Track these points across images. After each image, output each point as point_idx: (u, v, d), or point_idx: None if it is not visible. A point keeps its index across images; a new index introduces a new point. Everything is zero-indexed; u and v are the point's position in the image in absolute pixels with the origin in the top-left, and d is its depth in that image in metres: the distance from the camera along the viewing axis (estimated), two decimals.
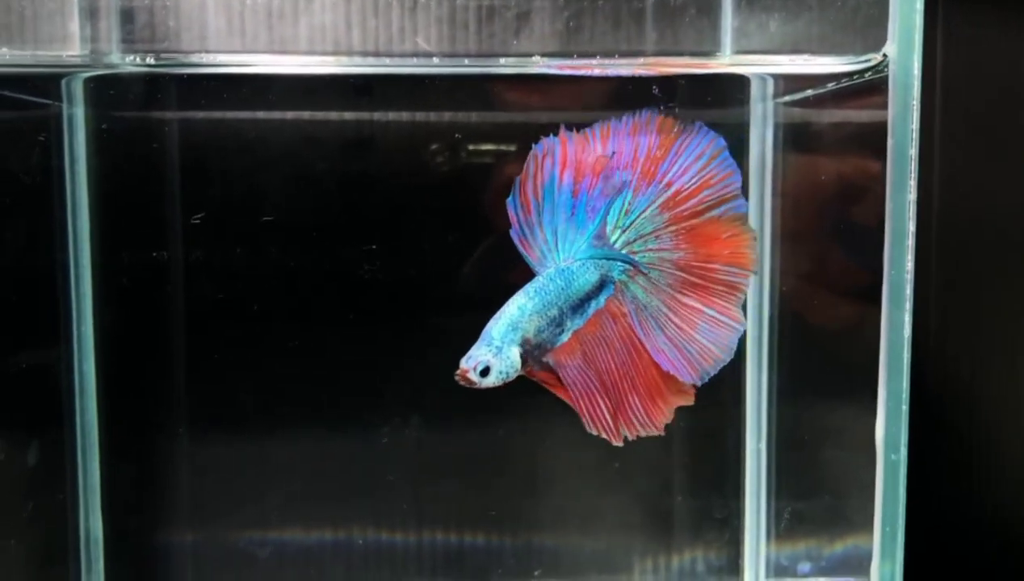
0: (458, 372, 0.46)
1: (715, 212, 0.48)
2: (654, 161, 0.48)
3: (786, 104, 0.63)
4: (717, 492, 0.70)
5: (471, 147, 0.63)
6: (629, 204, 0.48)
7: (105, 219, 0.63)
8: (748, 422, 0.68)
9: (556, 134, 0.47)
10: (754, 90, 0.63)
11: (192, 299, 0.65)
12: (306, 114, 0.64)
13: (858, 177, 0.56)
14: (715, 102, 0.62)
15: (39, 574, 0.60)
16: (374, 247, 0.63)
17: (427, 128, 0.65)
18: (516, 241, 0.47)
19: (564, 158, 0.46)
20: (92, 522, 0.65)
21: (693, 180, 0.48)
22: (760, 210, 0.65)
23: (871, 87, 0.48)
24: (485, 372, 0.46)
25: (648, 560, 0.71)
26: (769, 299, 0.65)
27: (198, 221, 0.63)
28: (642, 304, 0.48)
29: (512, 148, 0.61)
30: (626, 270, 0.48)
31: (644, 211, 0.48)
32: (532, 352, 0.47)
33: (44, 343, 0.61)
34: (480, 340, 0.46)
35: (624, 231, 0.48)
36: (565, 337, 0.47)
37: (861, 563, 0.57)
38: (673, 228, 0.48)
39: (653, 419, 0.49)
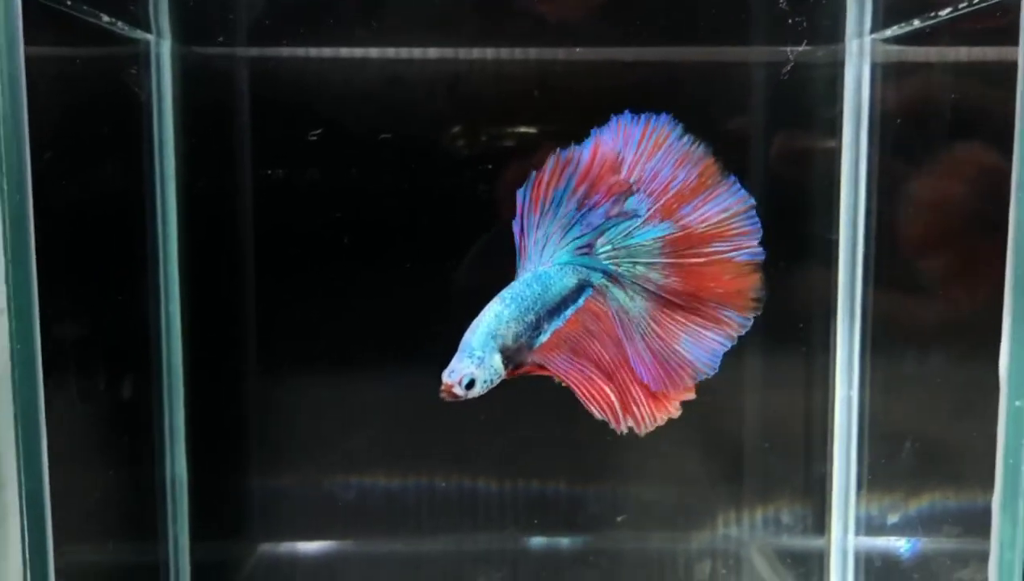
0: (442, 387, 0.45)
1: (717, 260, 0.47)
2: (679, 200, 0.46)
3: (887, 40, 0.61)
4: (805, 441, 0.69)
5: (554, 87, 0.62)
6: (634, 229, 0.46)
7: (189, 155, 0.63)
8: (838, 368, 0.66)
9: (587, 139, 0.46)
10: (850, 19, 0.60)
11: (277, 239, 0.65)
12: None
13: (973, 130, 0.53)
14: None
15: (130, 513, 0.60)
16: (489, 167, 0.61)
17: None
18: (515, 232, 0.46)
19: (587, 170, 0.45)
20: (177, 465, 0.65)
21: (709, 229, 0.47)
22: (855, 154, 0.63)
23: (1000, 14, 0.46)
24: (470, 385, 0.45)
25: (731, 511, 0.70)
26: (864, 242, 0.63)
27: (315, 137, 0.62)
28: (624, 308, 0.47)
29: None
30: (607, 276, 0.47)
31: (646, 242, 0.47)
32: (512, 356, 0.46)
33: (132, 279, 0.60)
34: (460, 352, 0.46)
35: (616, 248, 0.47)
36: (544, 337, 0.47)
37: (967, 520, 0.56)
38: (668, 261, 0.47)
39: (655, 411, 0.48)
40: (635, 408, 0.47)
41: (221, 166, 0.65)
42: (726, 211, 0.46)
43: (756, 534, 0.70)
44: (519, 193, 0.45)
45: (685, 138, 0.46)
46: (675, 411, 0.48)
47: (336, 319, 0.66)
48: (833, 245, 0.64)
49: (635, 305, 0.47)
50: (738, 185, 0.46)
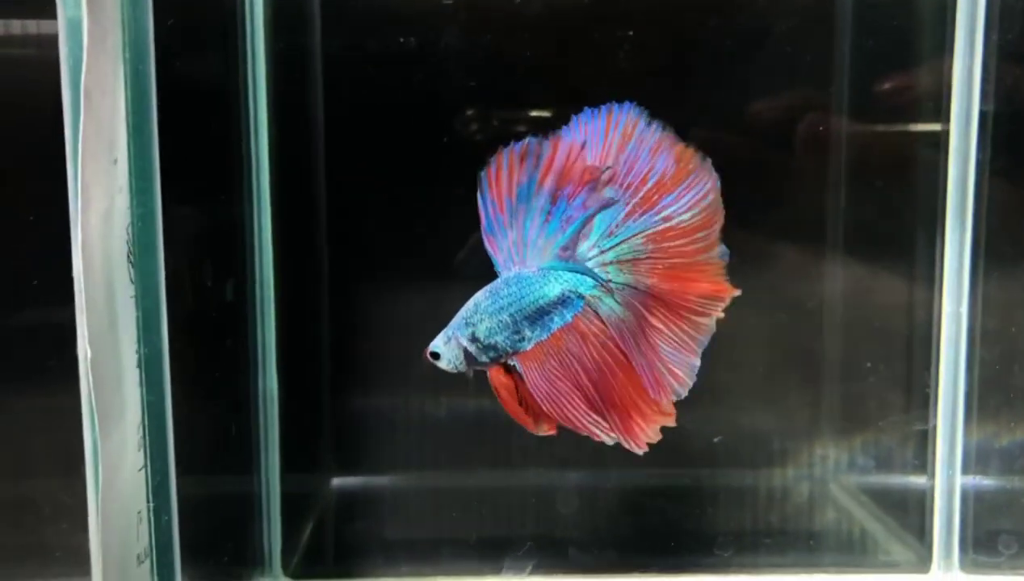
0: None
1: (700, 257, 0.45)
2: (660, 190, 0.44)
3: None
4: (908, 363, 0.67)
5: None
6: (616, 227, 0.44)
7: (279, 60, 0.62)
8: (947, 285, 0.64)
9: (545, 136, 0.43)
10: None
11: (361, 158, 0.64)
12: None
13: None
14: None
15: (227, 420, 0.60)
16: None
17: None
18: (485, 238, 0.44)
19: (550, 162, 0.43)
20: (268, 379, 0.64)
21: (692, 219, 0.44)
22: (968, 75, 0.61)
23: None
24: (436, 357, 0.46)
25: (834, 436, 0.68)
26: (977, 143, 0.61)
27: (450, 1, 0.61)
28: (620, 319, 0.45)
29: None
30: (597, 286, 0.44)
31: (630, 238, 0.44)
32: (486, 351, 0.45)
33: (229, 199, 0.59)
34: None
35: (603, 252, 0.44)
36: (526, 345, 0.45)
37: None
38: (653, 259, 0.44)
39: (634, 438, 0.45)
40: (626, 427, 0.45)
41: (307, 75, 0.64)
42: (706, 197, 0.44)
43: (849, 468, 0.69)
44: (479, 198, 0.43)
45: (654, 125, 0.43)
46: (652, 436, 0.46)
47: (427, 235, 0.65)
48: (942, 149, 0.62)
49: (628, 316, 0.44)
50: (710, 163, 0.44)
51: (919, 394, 0.66)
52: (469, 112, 0.64)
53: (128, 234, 0.43)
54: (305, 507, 0.69)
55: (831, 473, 0.69)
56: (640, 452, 0.46)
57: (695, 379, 0.46)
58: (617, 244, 0.44)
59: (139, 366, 0.44)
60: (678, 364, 0.45)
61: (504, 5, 0.64)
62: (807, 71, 0.65)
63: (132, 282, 0.43)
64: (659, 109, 0.44)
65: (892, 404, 0.67)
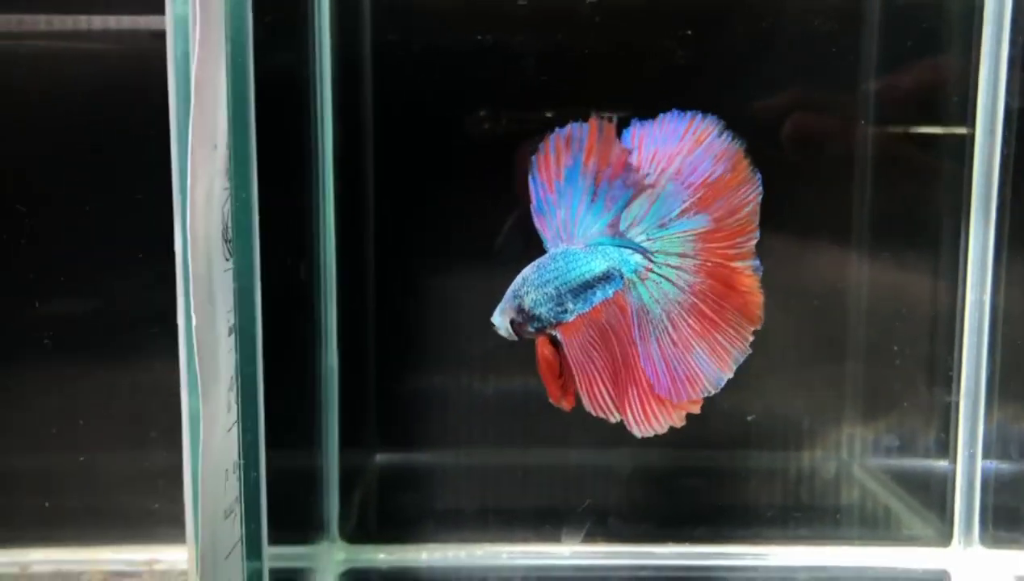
0: None
1: (738, 262, 0.48)
2: (716, 194, 0.47)
3: None
4: (930, 349, 0.70)
5: None
6: (669, 220, 0.47)
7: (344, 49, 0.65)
8: (970, 270, 0.67)
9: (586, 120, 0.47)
10: None
11: (412, 147, 0.68)
12: None
13: None
14: None
15: (299, 392, 0.64)
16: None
17: None
18: (534, 217, 0.48)
19: (591, 146, 0.46)
20: (330, 356, 0.68)
21: (735, 225, 0.48)
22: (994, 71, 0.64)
23: None
24: (494, 326, 0.50)
25: (860, 418, 0.72)
26: (1003, 133, 0.64)
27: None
28: (645, 307, 0.48)
29: None
30: (638, 270, 0.47)
31: (681, 233, 0.48)
32: (531, 321, 0.48)
33: (301, 187, 0.63)
34: None
35: (650, 240, 0.48)
36: (569, 317, 0.48)
37: None
38: (699, 261, 0.48)
39: (656, 416, 0.48)
40: (632, 410, 0.47)
41: (361, 70, 0.68)
42: (749, 204, 0.47)
43: (874, 448, 0.72)
44: (530, 180, 0.47)
45: (724, 135, 0.47)
46: (678, 421, 0.48)
47: (486, 211, 0.69)
48: (967, 137, 0.65)
49: (656, 307, 0.47)
50: (760, 180, 0.47)
51: (943, 377, 0.70)
52: (517, 105, 0.67)
53: (224, 214, 0.47)
54: (357, 477, 0.73)
55: (857, 453, 0.72)
56: (638, 435, 0.48)
57: (717, 390, 0.48)
58: (667, 236, 0.48)
59: (232, 335, 0.48)
60: (705, 371, 0.48)
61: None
62: (834, 69, 0.68)
63: (226, 258, 0.47)
64: (705, 105, 0.48)
65: (916, 387, 0.71)
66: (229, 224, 0.48)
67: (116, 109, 0.63)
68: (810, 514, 0.71)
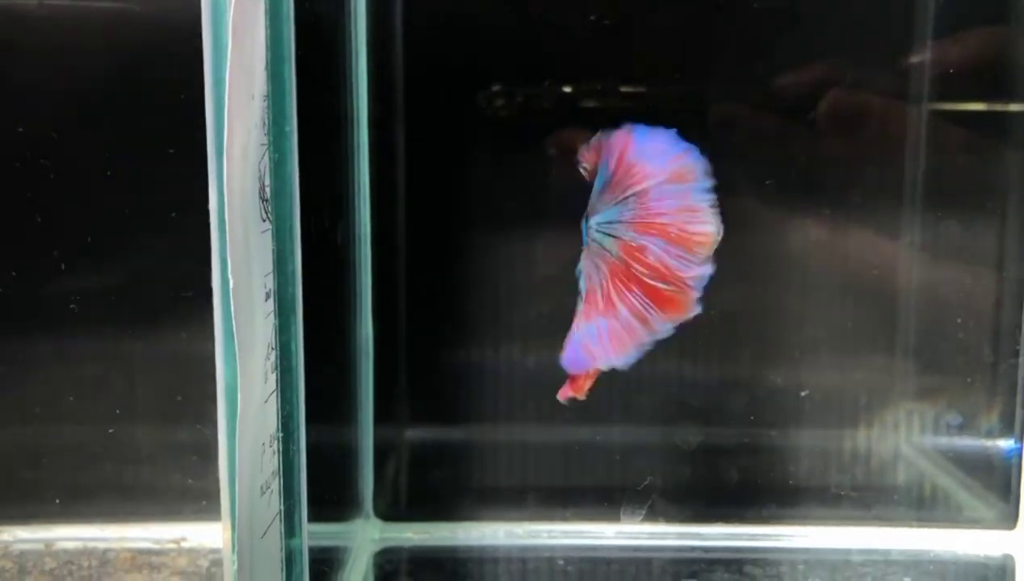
0: None
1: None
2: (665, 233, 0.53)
3: None
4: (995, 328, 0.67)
5: None
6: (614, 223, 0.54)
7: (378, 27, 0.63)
8: None
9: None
10: None
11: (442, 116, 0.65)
12: None
13: None
14: None
15: (337, 364, 0.61)
16: None
17: None
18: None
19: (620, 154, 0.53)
20: (365, 326, 0.65)
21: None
22: None
23: None
24: None
25: (922, 396, 0.69)
26: None
27: None
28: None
29: None
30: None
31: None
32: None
33: (337, 150, 0.60)
34: None
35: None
36: None
37: None
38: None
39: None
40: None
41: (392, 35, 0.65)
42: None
43: (934, 427, 0.69)
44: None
45: (704, 180, 0.52)
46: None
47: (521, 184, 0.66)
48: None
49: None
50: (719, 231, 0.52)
51: (1009, 353, 0.66)
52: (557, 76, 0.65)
53: (260, 171, 0.44)
54: (392, 454, 0.70)
55: (916, 432, 0.69)
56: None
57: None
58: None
59: (269, 299, 0.45)
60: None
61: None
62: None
63: (263, 218, 0.44)
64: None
65: (981, 364, 0.67)
66: (267, 182, 0.45)
67: (148, 56, 0.60)
68: (868, 495, 0.68)
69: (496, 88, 0.65)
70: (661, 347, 0.67)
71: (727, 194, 0.52)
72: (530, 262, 0.68)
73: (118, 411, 0.65)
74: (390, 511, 0.68)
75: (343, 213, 0.61)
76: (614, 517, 0.68)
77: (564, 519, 0.69)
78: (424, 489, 0.71)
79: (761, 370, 0.68)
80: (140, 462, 0.66)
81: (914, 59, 0.65)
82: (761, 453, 0.69)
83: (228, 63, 0.40)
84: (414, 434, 0.70)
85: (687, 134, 0.52)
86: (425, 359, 0.69)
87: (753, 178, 0.65)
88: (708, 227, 0.51)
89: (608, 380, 0.67)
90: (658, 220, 0.51)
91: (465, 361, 0.69)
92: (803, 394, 0.67)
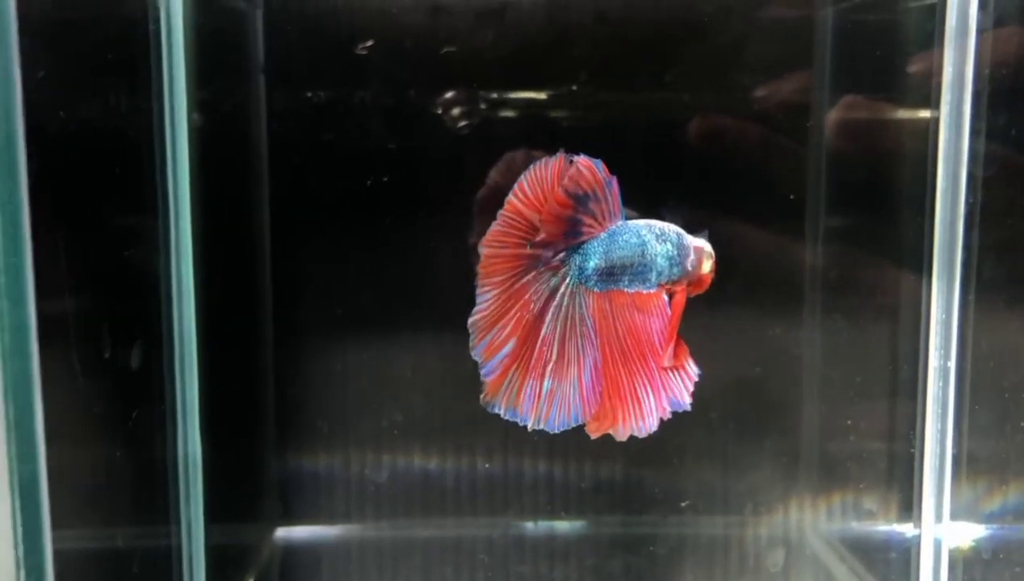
0: None
1: None
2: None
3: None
4: (890, 418, 0.62)
5: None
6: None
7: (201, 91, 0.56)
8: (932, 335, 0.59)
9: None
10: None
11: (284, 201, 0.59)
12: None
13: None
14: None
15: (139, 494, 0.54)
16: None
17: None
18: None
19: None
20: (191, 443, 0.58)
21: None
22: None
23: None
24: None
25: (806, 494, 0.63)
26: (967, 191, 0.56)
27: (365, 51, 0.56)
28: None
29: None
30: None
31: None
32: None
33: (139, 231, 0.54)
34: None
35: None
36: None
37: None
38: None
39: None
40: None
41: (236, 103, 0.59)
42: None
43: (834, 520, 0.64)
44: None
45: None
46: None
47: (361, 283, 0.60)
48: (927, 195, 0.57)
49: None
50: None
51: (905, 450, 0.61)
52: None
53: None
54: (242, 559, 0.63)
55: (811, 526, 0.64)
56: None
57: None
58: None
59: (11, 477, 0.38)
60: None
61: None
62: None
63: None
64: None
65: (875, 459, 0.62)
66: None
67: None
68: None
69: (354, 177, 0.59)
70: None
71: None
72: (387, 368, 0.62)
73: None
74: None
75: (150, 326, 0.54)
76: None
77: None
78: None
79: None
80: None
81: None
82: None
83: None
84: (257, 550, 0.64)
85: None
86: (278, 467, 0.63)
87: None
88: None
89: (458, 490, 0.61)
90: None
91: (321, 469, 0.63)
92: (683, 504, 0.62)
